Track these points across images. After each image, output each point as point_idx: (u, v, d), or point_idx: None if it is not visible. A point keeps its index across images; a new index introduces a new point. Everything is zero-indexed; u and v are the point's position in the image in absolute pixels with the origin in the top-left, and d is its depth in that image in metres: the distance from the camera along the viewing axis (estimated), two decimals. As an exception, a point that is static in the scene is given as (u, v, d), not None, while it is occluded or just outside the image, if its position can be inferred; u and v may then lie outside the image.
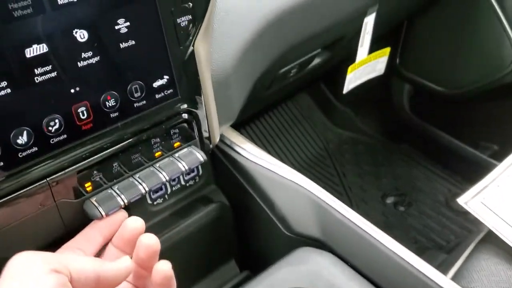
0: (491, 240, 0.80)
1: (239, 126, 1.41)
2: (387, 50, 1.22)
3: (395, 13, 1.20)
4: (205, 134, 0.67)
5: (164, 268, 0.51)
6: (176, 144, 0.63)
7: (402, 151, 1.58)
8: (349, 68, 1.12)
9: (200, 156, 0.63)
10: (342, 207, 0.69)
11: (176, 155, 0.63)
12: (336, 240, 0.69)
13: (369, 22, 1.03)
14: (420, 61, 1.43)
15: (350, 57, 1.15)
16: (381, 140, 1.61)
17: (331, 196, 0.72)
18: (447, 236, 1.30)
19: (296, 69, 0.99)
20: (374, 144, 1.60)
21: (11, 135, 0.49)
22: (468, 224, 1.33)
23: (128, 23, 0.53)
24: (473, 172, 1.17)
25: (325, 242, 0.70)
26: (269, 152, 1.46)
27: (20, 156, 0.50)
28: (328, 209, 0.69)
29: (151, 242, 0.51)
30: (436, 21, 1.33)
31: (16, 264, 0.44)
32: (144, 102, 0.58)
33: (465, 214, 1.34)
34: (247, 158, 0.75)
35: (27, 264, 0.44)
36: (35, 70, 0.49)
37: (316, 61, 1.06)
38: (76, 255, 0.52)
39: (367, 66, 1.17)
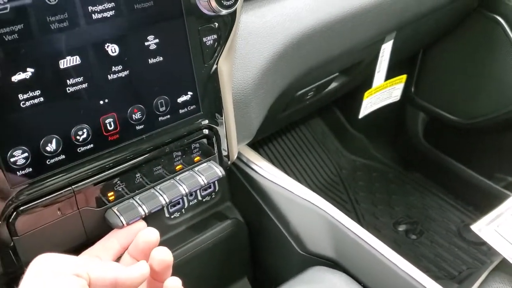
0: (504, 268, 0.80)
1: (253, 147, 1.42)
2: (404, 77, 1.23)
3: (412, 41, 1.22)
4: (224, 152, 0.68)
5: (174, 286, 0.52)
6: (196, 159, 0.65)
7: (415, 180, 1.58)
8: (366, 94, 1.14)
9: (219, 171, 0.64)
10: (356, 228, 0.70)
11: (196, 169, 0.64)
12: (350, 260, 0.69)
13: (386, 48, 1.05)
14: (435, 90, 1.44)
15: (366, 83, 1.16)
16: (394, 168, 1.62)
17: (346, 217, 0.72)
18: (459, 267, 1.29)
19: (313, 92, 1.00)
20: (387, 172, 1.61)
21: (41, 142, 0.51)
22: (481, 255, 1.32)
23: (157, 40, 0.56)
24: (486, 203, 1.16)
25: (339, 262, 0.70)
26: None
27: (48, 163, 0.52)
28: (343, 229, 0.70)
29: (165, 257, 0.53)
30: (452, 50, 1.35)
31: (40, 263, 0.46)
32: (169, 116, 0.60)
33: (477, 244, 1.34)
34: (263, 176, 0.76)
35: (51, 264, 0.45)
36: (68, 81, 0.51)
37: (333, 85, 1.07)
38: (96, 260, 0.53)
39: (383, 92, 1.19)
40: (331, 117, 1.63)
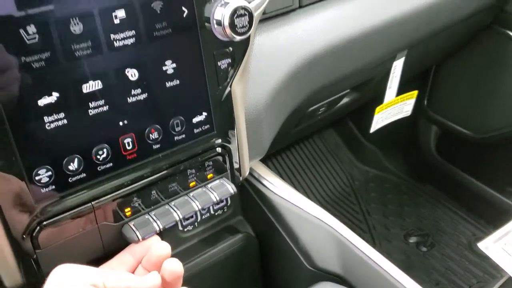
0: (511, 286, 0.81)
1: (266, 159, 1.45)
2: (415, 93, 1.25)
3: (424, 58, 1.23)
4: (236, 167, 0.71)
5: None
6: (209, 176, 0.68)
7: (427, 192, 1.59)
8: (377, 109, 1.16)
9: (231, 188, 0.67)
10: (364, 245, 0.72)
11: (209, 186, 0.67)
12: (356, 276, 0.71)
13: (397, 65, 1.07)
14: (448, 103, 1.45)
15: (378, 98, 1.18)
16: (406, 180, 1.63)
17: (353, 234, 0.74)
18: (469, 280, 1.30)
19: (325, 107, 1.03)
20: (399, 184, 1.62)
21: (64, 162, 0.54)
22: (492, 269, 1.32)
23: (174, 65, 0.59)
24: (498, 217, 1.17)
25: (346, 278, 0.72)
26: (294, 186, 1.49)
27: (70, 181, 0.55)
28: (350, 246, 0.72)
29: (175, 268, 0.56)
30: (465, 65, 1.36)
31: (60, 273, 0.49)
32: (184, 136, 0.63)
33: (488, 258, 1.34)
34: (274, 192, 0.79)
35: (70, 275, 0.49)
36: (90, 104, 0.54)
37: (345, 100, 1.10)
38: (112, 271, 0.57)
39: (394, 107, 1.21)
40: (344, 129, 1.65)
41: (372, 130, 1.19)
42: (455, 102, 1.43)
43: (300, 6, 0.83)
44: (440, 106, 1.47)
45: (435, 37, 1.08)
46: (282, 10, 0.80)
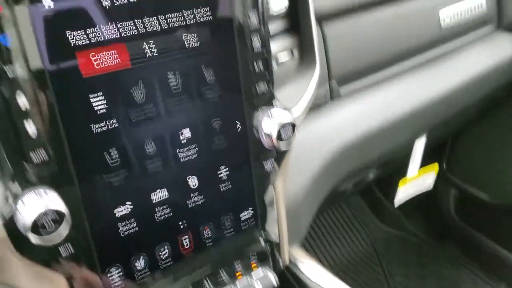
0: None
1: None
2: (436, 165, 1.31)
3: (444, 134, 1.29)
4: (277, 255, 0.77)
5: None
6: (253, 265, 0.74)
7: (448, 253, 1.62)
8: (400, 182, 1.22)
9: (273, 280, 0.73)
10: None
11: (254, 276, 0.73)
12: None
13: (419, 145, 1.14)
14: (466, 167, 1.50)
15: (401, 168, 1.24)
16: (427, 241, 1.66)
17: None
18: None
19: (351, 189, 1.09)
20: (421, 245, 1.65)
21: (132, 261, 0.61)
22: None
23: (228, 171, 0.66)
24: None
25: None
26: (318, 248, 1.54)
27: (136, 277, 0.62)
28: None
29: None
30: (483, 131, 1.42)
31: None
32: (232, 231, 0.70)
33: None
34: (310, 279, 0.84)
35: None
36: (157, 210, 0.62)
37: (369, 176, 1.16)
38: None
39: (417, 180, 1.26)
40: (368, 193, 1.70)
41: (396, 204, 1.24)
42: (473, 166, 1.48)
43: (331, 98, 0.90)
44: (458, 170, 1.52)
45: (454, 116, 1.15)
46: (315, 103, 0.88)
